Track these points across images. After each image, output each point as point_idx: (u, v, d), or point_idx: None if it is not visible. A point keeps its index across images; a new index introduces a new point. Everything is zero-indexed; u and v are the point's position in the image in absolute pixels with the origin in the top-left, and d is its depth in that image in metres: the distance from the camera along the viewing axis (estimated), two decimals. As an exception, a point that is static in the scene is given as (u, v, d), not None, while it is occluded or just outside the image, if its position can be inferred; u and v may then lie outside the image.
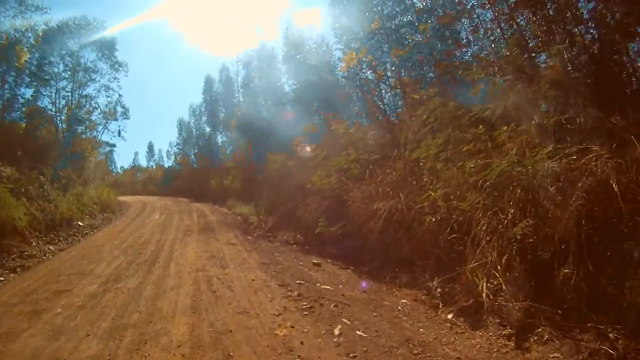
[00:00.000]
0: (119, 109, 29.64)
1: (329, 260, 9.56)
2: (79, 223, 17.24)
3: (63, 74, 24.91)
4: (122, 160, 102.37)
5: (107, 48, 26.84)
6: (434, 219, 7.42)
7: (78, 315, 6.14)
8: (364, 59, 15.42)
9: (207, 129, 42.58)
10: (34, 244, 12.40)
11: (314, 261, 9.27)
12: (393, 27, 17.03)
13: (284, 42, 25.63)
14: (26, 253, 11.31)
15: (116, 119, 29.38)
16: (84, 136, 28.02)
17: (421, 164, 9.14)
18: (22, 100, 22.46)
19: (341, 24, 19.56)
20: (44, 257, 11.31)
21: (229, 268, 8.63)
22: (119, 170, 62.50)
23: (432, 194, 7.83)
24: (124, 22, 40.57)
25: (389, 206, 8.78)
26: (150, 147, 68.04)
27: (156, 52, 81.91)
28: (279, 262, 9.22)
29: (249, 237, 12.97)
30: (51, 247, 12.65)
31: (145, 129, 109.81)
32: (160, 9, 46.75)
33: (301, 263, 9.28)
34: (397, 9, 17.01)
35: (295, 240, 12.14)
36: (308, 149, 12.96)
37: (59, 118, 25.03)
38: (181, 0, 44.18)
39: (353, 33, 18.69)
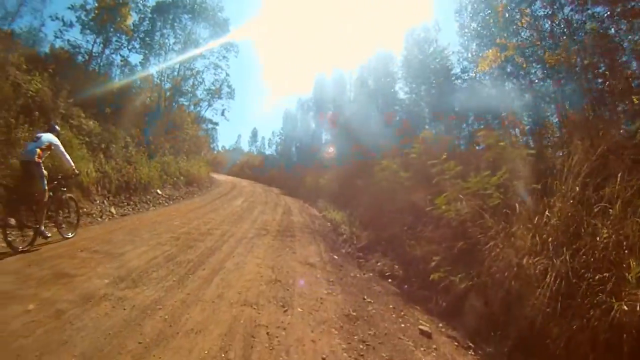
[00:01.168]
0: (225, 88, 29.24)
1: (442, 327, 6.03)
2: (158, 191, 16.73)
3: (174, 46, 24.18)
4: (225, 140, 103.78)
5: (219, 27, 26.12)
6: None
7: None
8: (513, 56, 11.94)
9: (313, 125, 40.63)
10: (97, 201, 11.40)
11: (422, 327, 5.68)
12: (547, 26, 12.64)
13: (403, 46, 22.78)
14: (83, 210, 10.32)
15: (221, 97, 29.15)
16: (186, 109, 27.64)
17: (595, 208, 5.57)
18: (121, 61, 21.45)
19: (470, 29, 16.88)
20: (98, 219, 10.45)
21: (293, 314, 5.35)
22: (220, 150, 62.98)
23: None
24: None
25: (555, 270, 5.24)
26: (254, 133, 67.25)
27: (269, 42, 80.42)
28: (369, 318, 5.71)
29: (335, 257, 9.72)
30: (113, 210, 11.78)
31: (252, 115, 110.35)
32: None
33: (402, 325, 5.73)
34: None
35: (392, 272, 8.82)
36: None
37: (162, 86, 24.50)
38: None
39: (487, 36, 15.41)
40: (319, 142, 36.95)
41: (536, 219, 6.14)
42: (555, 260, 5.35)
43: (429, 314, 6.49)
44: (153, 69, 23.53)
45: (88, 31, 19.51)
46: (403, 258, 9.27)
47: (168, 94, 24.91)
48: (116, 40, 20.75)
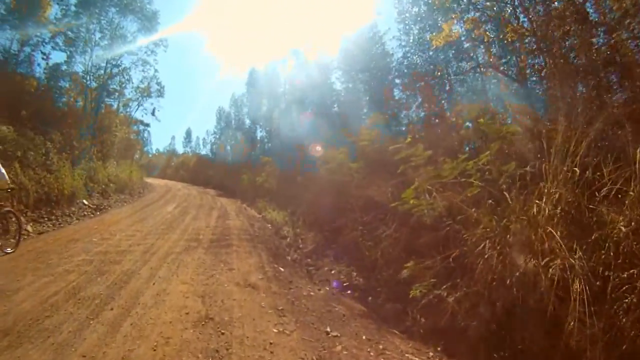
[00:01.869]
0: (154, 85, 26.63)
1: (436, 357, 4.52)
2: (84, 202, 15.00)
3: (99, 41, 21.83)
4: (159, 143, 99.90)
5: (148, 20, 23.79)
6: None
7: None
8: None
9: (247, 121, 37.56)
10: (12, 219, 8.66)
11: (414, 364, 4.22)
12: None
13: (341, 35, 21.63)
14: None
15: (150, 96, 26.52)
16: (115, 110, 25.28)
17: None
18: (42, 58, 19.09)
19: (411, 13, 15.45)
20: (10, 240, 7.95)
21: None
22: (154, 152, 60.03)
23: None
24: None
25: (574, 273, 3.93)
26: (188, 133, 62.52)
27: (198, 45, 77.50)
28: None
29: (281, 268, 8.00)
30: (30, 227, 9.90)
31: (184, 115, 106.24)
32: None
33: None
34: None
35: (351, 282, 7.35)
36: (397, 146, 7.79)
37: (88, 86, 21.71)
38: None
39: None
40: (255, 139, 35.52)
41: (534, 209, 4.77)
42: (573, 260, 4.02)
43: (411, 338, 4.97)
44: (78, 67, 21.19)
45: (7, 27, 17.53)
46: (361, 263, 7.90)
47: (94, 94, 22.11)
48: (37, 36, 18.66)
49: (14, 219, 8.15)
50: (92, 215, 13.60)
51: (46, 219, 11.58)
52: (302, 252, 9.91)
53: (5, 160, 10.86)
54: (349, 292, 6.93)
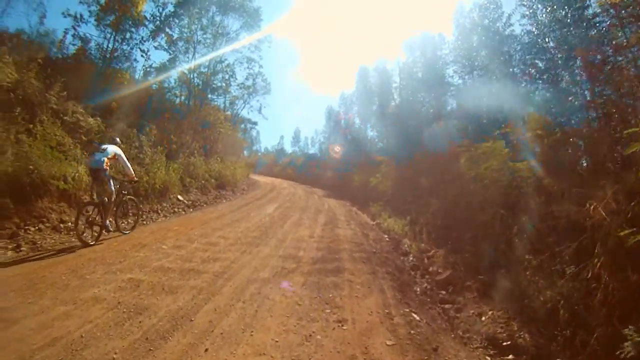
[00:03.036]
0: (260, 82, 27.18)
1: None
2: (178, 197, 13.72)
3: (202, 40, 21.85)
4: (268, 141, 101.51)
5: (250, 17, 23.50)
6: None
7: None
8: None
9: (357, 120, 37.01)
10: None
11: None
12: None
13: (454, 26, 19.10)
14: (67, 224, 8.09)
15: (256, 93, 27.40)
16: (220, 108, 25.58)
17: None
18: (141, 56, 19.27)
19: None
20: (71, 240, 7.34)
21: None
22: (263, 151, 60.06)
23: None
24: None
25: None
26: (297, 133, 64.14)
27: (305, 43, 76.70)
28: None
29: (415, 317, 4.98)
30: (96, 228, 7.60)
31: (293, 115, 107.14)
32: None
33: None
34: None
35: (512, 339, 4.60)
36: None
37: (191, 82, 22.11)
38: None
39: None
40: (366, 139, 33.43)
41: None
42: None
43: None
44: (182, 66, 21.22)
45: (108, 27, 17.04)
46: (524, 309, 5.12)
47: (197, 90, 22.23)
48: (135, 35, 18.02)
49: (134, 206, 9.31)
50: (183, 212, 12.33)
51: (131, 214, 9.73)
52: (432, 279, 7.22)
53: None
54: (510, 357, 4.20)
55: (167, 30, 20.04)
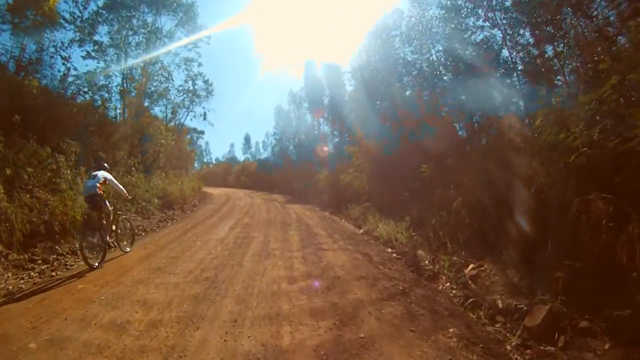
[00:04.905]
0: (201, 83, 24.28)
1: None
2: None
3: (133, 45, 19.28)
4: (218, 151, 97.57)
5: (185, 13, 20.96)
6: None
7: None
8: None
9: (309, 118, 33.75)
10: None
11: None
12: None
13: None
14: None
15: (199, 96, 24.55)
16: (160, 118, 22.72)
17: None
18: (62, 63, 15.30)
19: None
20: None
21: None
22: (214, 162, 57.80)
23: None
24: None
25: None
26: (247, 139, 59.82)
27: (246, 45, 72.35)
28: None
29: None
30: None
31: (241, 122, 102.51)
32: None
33: None
34: None
35: None
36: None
37: (124, 90, 18.83)
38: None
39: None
40: (318, 136, 31.42)
41: None
42: None
43: None
44: (113, 74, 18.39)
45: (23, 33, 13.88)
46: None
47: (131, 99, 18.88)
48: (51, 36, 15.01)
49: (129, 225, 8.97)
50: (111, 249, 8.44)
51: (40, 262, 7.42)
52: (520, 329, 4.09)
53: None
54: None
55: (93, 35, 17.40)
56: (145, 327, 3.99)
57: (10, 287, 5.91)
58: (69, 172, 10.15)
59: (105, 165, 8.46)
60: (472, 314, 4.53)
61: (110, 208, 7.82)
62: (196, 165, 40.58)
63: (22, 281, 6.33)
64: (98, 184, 7.55)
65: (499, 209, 6.12)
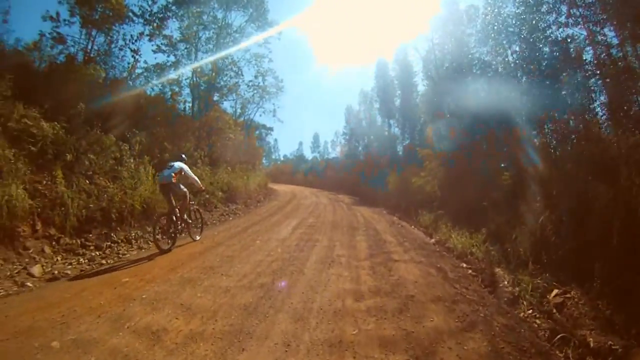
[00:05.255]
0: (271, 79, 24.00)
1: None
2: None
3: (204, 41, 19.07)
4: (286, 149, 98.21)
5: (255, 9, 20.32)
6: None
7: None
8: None
9: (379, 118, 33.01)
10: (30, 250, 6.60)
11: None
12: None
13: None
14: None
15: (268, 93, 24.44)
16: (230, 113, 22.57)
17: None
18: (132, 56, 15.33)
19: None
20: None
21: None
22: (282, 159, 60.53)
23: None
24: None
25: None
26: (316, 138, 59.03)
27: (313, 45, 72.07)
28: None
29: None
30: (36, 270, 5.92)
31: (311, 121, 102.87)
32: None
33: None
34: None
35: None
36: None
37: (193, 83, 18.74)
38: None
39: None
40: (391, 136, 30.39)
41: None
42: None
43: None
44: (184, 69, 18.12)
45: (92, 26, 13.69)
46: None
47: (200, 92, 19.01)
48: (120, 30, 14.65)
49: (199, 215, 9.42)
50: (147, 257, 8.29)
51: (92, 247, 7.49)
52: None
53: (39, 167, 8.09)
54: None
55: (163, 29, 17.04)
56: (183, 339, 3.55)
57: (56, 272, 5.91)
58: (132, 161, 10.39)
59: (184, 156, 8.92)
60: (559, 352, 3.87)
61: (185, 190, 8.25)
62: (264, 161, 40.66)
63: (69, 266, 6.35)
64: (173, 174, 7.96)
65: (594, 226, 5.42)
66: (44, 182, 7.78)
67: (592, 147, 7.07)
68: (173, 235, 7.87)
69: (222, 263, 6.46)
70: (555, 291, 5.22)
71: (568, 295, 5.06)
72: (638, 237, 4.61)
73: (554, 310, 4.80)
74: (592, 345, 3.87)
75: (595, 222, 5.36)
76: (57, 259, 6.60)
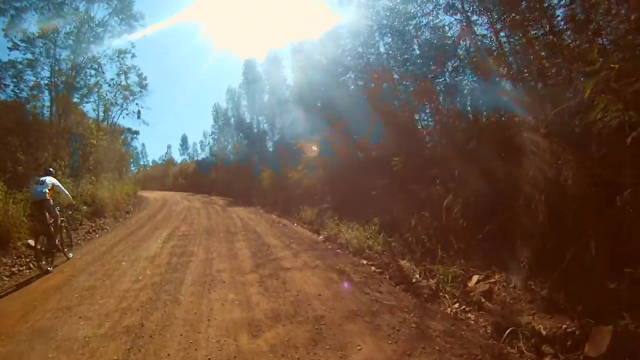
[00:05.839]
0: (134, 77, 21.30)
1: None
2: (29, 243, 8.11)
3: (64, 36, 16.44)
4: (155, 154, 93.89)
5: (120, 1, 17.87)
6: None
7: None
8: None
9: (247, 116, 31.60)
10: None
11: None
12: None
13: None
14: None
15: (133, 93, 21.64)
16: (90, 117, 19.50)
17: None
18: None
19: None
20: None
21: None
22: (151, 164, 57.98)
23: None
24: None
25: None
26: (184, 140, 57.57)
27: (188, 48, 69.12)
28: None
29: None
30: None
31: (178, 123, 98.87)
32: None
33: None
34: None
35: None
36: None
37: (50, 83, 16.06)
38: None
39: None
40: (261, 134, 29.01)
41: None
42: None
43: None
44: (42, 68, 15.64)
45: None
46: None
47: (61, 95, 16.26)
48: None
49: (68, 230, 8.79)
50: (26, 272, 7.34)
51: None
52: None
53: None
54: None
55: (21, 23, 14.89)
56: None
57: None
58: None
59: (52, 170, 8.48)
60: (511, 348, 3.37)
61: (58, 212, 7.87)
62: (132, 168, 38.19)
63: None
64: (47, 190, 7.55)
65: (507, 205, 4.82)
66: None
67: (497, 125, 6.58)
68: (52, 254, 7.47)
69: (81, 300, 5.05)
70: (476, 277, 4.84)
71: (493, 281, 4.64)
72: (566, 208, 3.98)
73: (483, 300, 4.34)
74: (544, 333, 3.52)
75: (511, 200, 4.72)
76: None
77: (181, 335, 3.65)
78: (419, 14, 11.06)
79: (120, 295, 5.12)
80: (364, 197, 8.76)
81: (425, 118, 10.69)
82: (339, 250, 6.99)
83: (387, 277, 5.28)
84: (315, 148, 12.87)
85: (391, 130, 9.73)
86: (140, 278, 5.87)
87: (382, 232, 7.07)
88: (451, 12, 10.35)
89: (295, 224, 10.47)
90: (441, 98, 9.66)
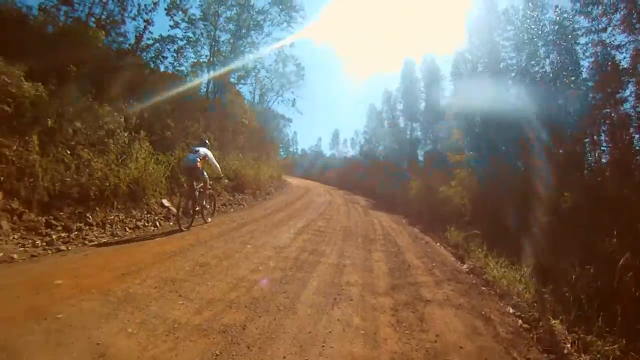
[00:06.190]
0: (291, 66, 23.20)
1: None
2: (163, 202, 9.56)
3: (225, 20, 17.99)
4: (305, 143, 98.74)
5: None
6: None
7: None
8: None
9: (401, 120, 32.22)
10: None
11: None
12: None
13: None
14: None
15: (288, 82, 23.85)
16: (245, 99, 21.73)
17: None
18: (145, 27, 14.43)
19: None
20: None
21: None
22: (300, 152, 60.96)
23: None
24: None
25: None
26: (335, 135, 57.63)
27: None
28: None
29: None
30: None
31: (332, 117, 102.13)
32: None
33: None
34: None
35: None
36: None
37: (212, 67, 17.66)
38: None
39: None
40: (414, 140, 29.24)
41: None
42: None
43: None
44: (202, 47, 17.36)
45: None
46: None
47: (217, 71, 17.76)
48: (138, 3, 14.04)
49: (214, 200, 9.98)
50: (153, 228, 7.91)
51: (46, 232, 6.24)
52: None
53: (12, 131, 6.76)
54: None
55: (183, 3, 16.26)
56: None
57: (1, 254, 4.90)
58: (125, 135, 9.34)
59: (206, 142, 9.16)
60: None
61: (206, 181, 8.66)
62: (281, 153, 39.95)
63: (21, 248, 5.36)
64: (199, 159, 8.23)
65: None
66: (14, 147, 6.59)
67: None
68: (192, 216, 8.19)
69: (189, 275, 4.88)
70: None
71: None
72: None
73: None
74: None
75: None
76: (12, 238, 5.67)
77: (284, 357, 3.13)
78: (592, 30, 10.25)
79: (233, 282, 4.85)
80: (519, 231, 7.93)
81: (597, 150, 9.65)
82: (483, 288, 6.13)
83: (535, 337, 4.52)
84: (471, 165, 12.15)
85: (559, 159, 8.78)
86: (261, 268, 5.61)
87: (534, 277, 6.23)
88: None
89: (439, 244, 9.63)
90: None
